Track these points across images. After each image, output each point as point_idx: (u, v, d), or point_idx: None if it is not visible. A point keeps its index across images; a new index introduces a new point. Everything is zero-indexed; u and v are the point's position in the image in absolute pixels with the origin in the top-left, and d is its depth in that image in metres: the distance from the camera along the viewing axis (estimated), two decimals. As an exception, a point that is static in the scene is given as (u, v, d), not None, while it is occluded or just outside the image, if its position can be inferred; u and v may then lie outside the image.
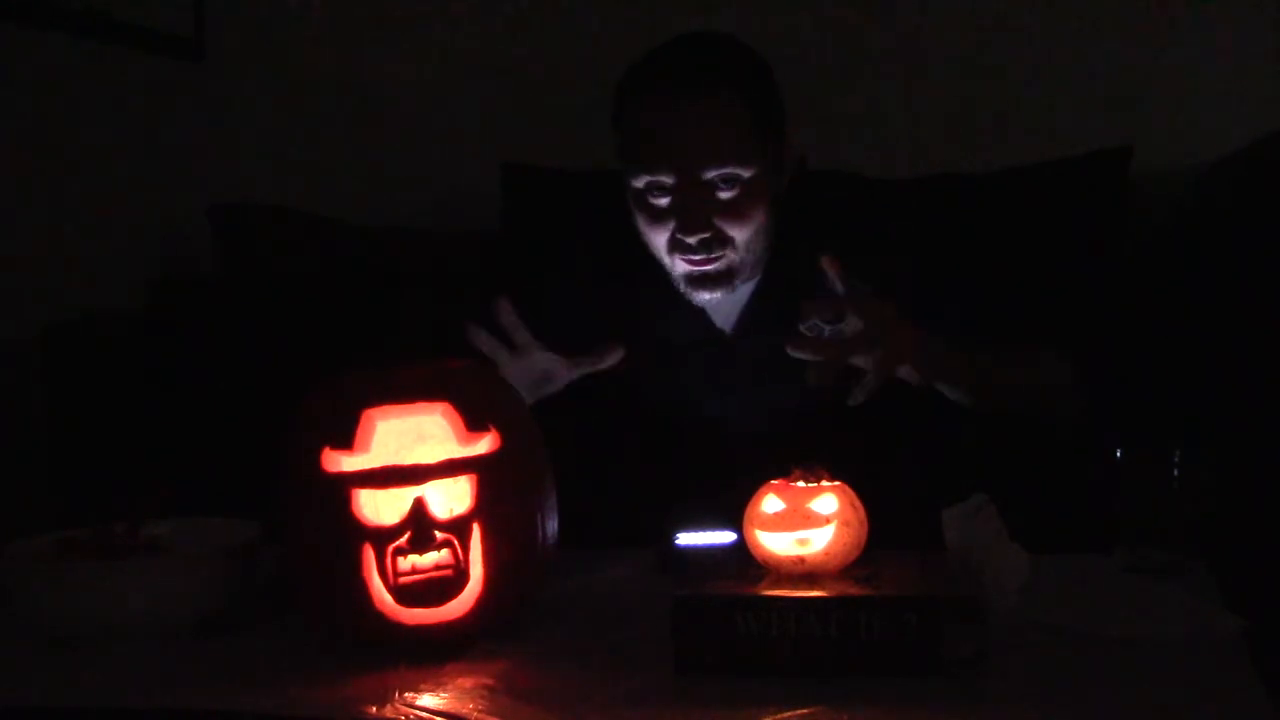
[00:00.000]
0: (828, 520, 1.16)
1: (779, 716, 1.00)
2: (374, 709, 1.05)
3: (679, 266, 1.54)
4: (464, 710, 1.04)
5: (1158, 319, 1.86)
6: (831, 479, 1.19)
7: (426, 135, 2.45)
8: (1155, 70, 2.20)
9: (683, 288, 1.57)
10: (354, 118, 2.48)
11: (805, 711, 1.00)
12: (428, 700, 1.06)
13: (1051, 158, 2.09)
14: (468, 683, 1.10)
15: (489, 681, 1.10)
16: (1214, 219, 1.97)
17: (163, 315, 2.18)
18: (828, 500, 1.17)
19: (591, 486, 1.48)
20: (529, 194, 2.24)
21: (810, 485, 1.18)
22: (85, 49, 2.30)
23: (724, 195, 1.50)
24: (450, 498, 1.18)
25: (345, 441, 1.18)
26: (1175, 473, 1.31)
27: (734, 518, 1.21)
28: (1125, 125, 2.15)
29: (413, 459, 1.18)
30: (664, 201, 1.51)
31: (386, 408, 1.19)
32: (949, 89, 2.28)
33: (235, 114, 2.50)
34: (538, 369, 1.49)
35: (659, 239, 1.53)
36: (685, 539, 1.35)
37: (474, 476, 1.19)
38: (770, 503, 1.18)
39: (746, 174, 1.50)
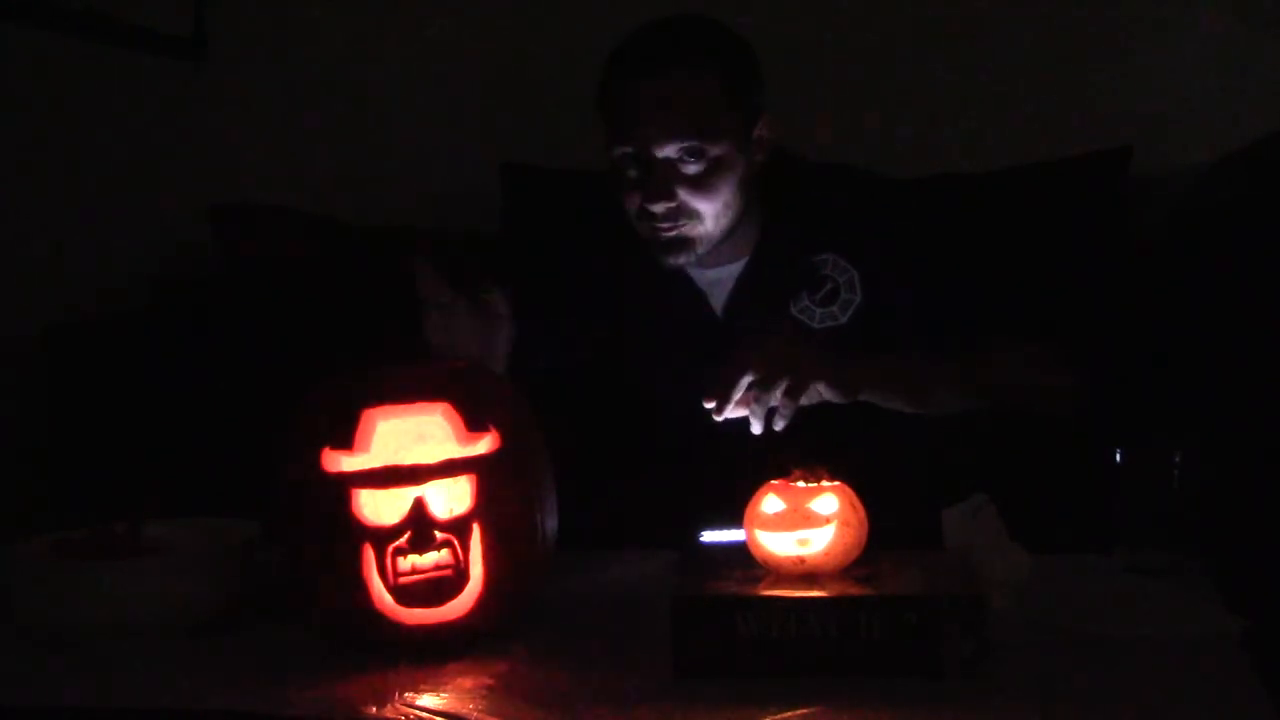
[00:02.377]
0: (828, 520, 1.16)
1: (779, 716, 1.00)
2: (374, 709, 1.05)
3: (645, 231, 1.58)
4: (464, 710, 1.04)
5: (1158, 319, 1.86)
6: (831, 479, 1.19)
7: (426, 135, 2.45)
8: (1155, 70, 2.20)
9: (652, 255, 1.60)
10: (354, 118, 2.48)
11: (805, 711, 1.00)
12: (428, 700, 1.06)
13: (1051, 158, 2.09)
14: (468, 683, 1.10)
15: (489, 681, 1.11)
16: (1214, 219, 1.97)
17: (163, 315, 2.18)
18: (828, 500, 1.17)
19: (592, 484, 1.48)
20: (529, 194, 2.24)
21: (810, 485, 1.18)
22: (85, 49, 2.30)
23: (689, 169, 1.53)
24: (450, 498, 1.18)
25: (345, 441, 1.18)
26: (1175, 473, 1.31)
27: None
28: (1125, 125, 2.15)
29: (413, 459, 1.18)
30: (634, 172, 1.55)
31: (386, 408, 1.19)
32: (949, 88, 2.27)
33: (235, 114, 2.49)
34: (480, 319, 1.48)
35: (630, 206, 1.58)
36: (709, 537, 1.34)
37: (474, 476, 1.19)
38: (770, 503, 1.18)
39: (712, 149, 1.53)
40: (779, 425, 1.41)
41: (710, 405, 1.42)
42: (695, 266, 1.63)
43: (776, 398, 1.41)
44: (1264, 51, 2.16)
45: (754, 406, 1.42)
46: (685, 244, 1.57)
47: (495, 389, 1.27)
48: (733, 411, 1.43)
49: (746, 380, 1.41)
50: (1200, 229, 1.97)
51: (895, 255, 1.60)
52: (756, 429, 1.42)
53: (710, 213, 1.55)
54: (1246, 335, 1.76)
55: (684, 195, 1.53)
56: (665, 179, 1.53)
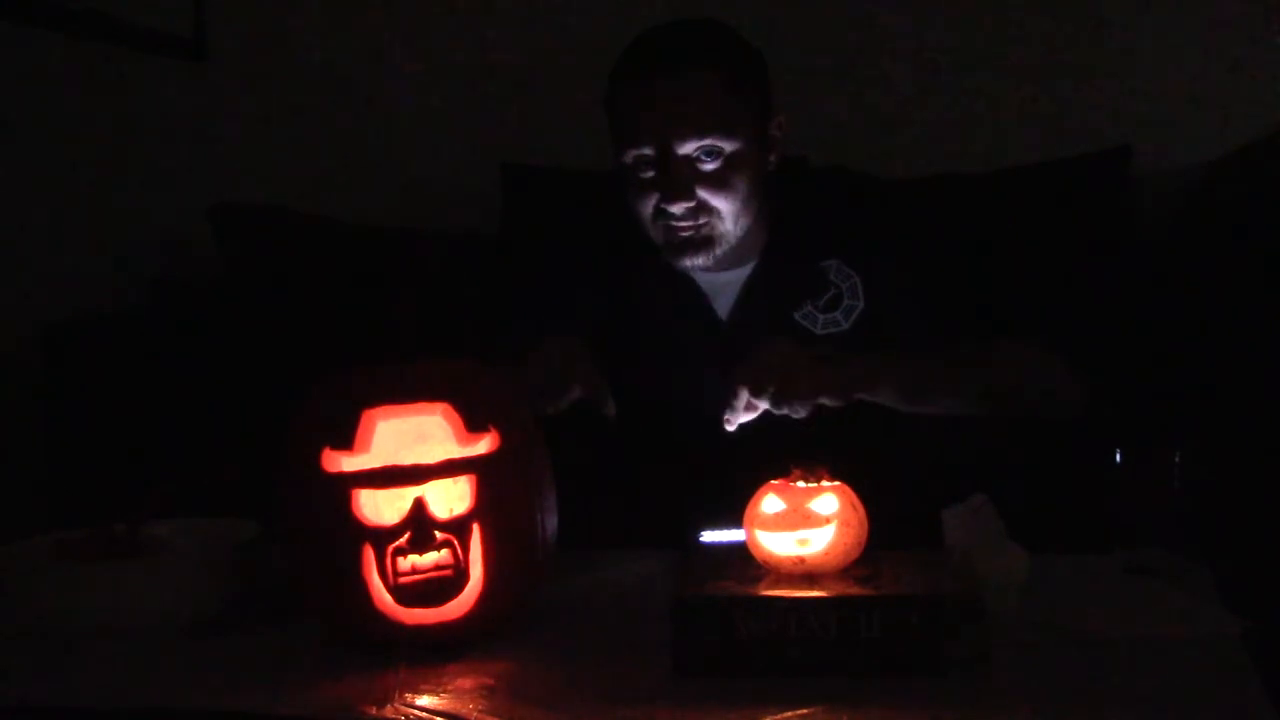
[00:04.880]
0: (828, 520, 1.16)
1: (779, 716, 1.00)
2: (374, 709, 1.05)
3: (661, 234, 1.57)
4: (464, 710, 1.04)
5: (1158, 319, 1.86)
6: (831, 479, 1.19)
7: (426, 135, 2.45)
8: (1155, 70, 2.20)
9: (667, 256, 1.60)
10: (354, 118, 2.48)
11: (805, 711, 1.00)
12: (428, 700, 1.06)
13: (1051, 158, 2.09)
14: (468, 683, 1.10)
15: (489, 681, 1.11)
16: (1214, 219, 1.97)
17: (163, 315, 2.18)
18: (828, 500, 1.17)
19: (593, 484, 1.48)
20: (529, 194, 2.24)
21: (810, 485, 1.18)
22: (85, 49, 2.30)
23: (706, 167, 1.53)
24: (450, 498, 1.18)
25: (345, 441, 1.18)
26: (1175, 473, 1.31)
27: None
28: (1125, 125, 2.15)
29: (413, 459, 1.18)
30: (650, 174, 1.54)
31: (387, 408, 1.19)
32: (949, 89, 2.27)
33: (235, 114, 2.50)
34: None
35: (645, 210, 1.56)
36: (709, 537, 1.35)
37: (474, 476, 1.19)
38: (770, 503, 1.18)
39: (729, 146, 1.52)
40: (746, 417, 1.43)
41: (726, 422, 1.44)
42: (702, 271, 1.63)
43: (764, 404, 1.42)
44: (1264, 51, 2.16)
45: (732, 403, 1.42)
46: (705, 244, 1.56)
47: (495, 389, 1.27)
48: (741, 418, 1.44)
49: (744, 393, 1.42)
50: (1200, 229, 1.97)
51: (898, 262, 1.60)
52: (729, 426, 1.43)
53: (729, 211, 1.55)
54: (1246, 335, 1.76)
55: (703, 194, 1.53)
56: (684, 177, 1.52)
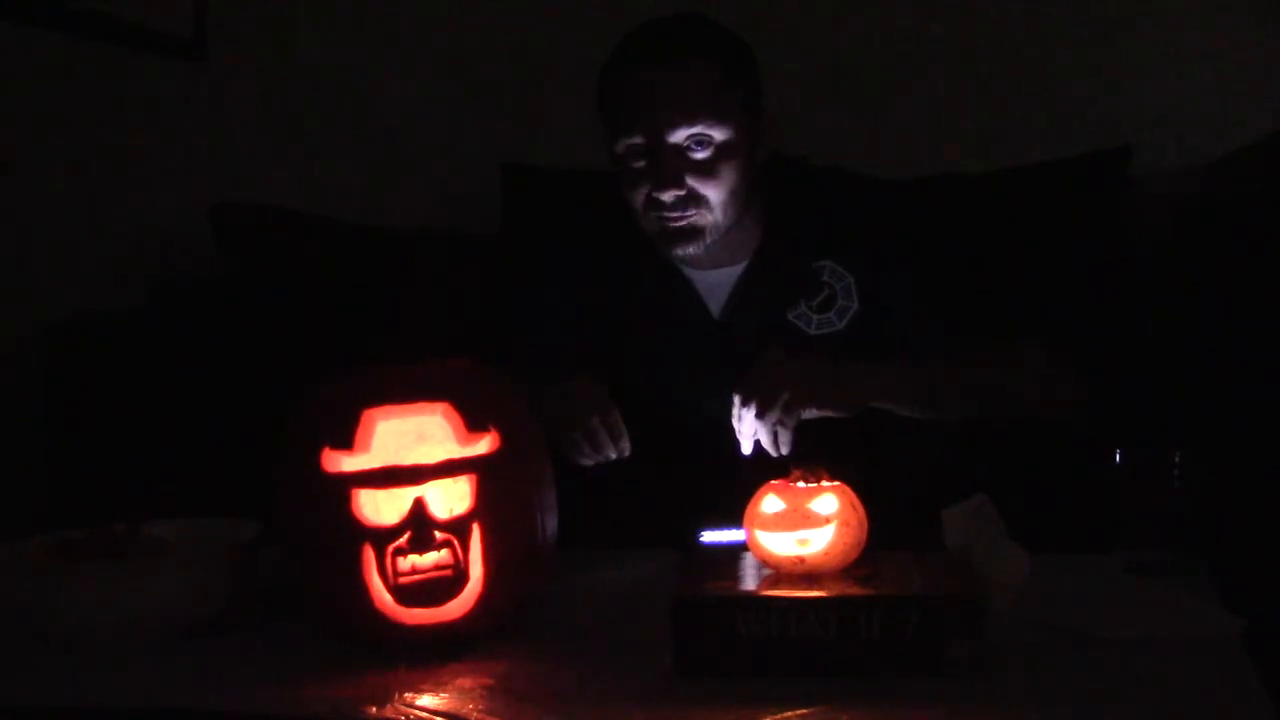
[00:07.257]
0: (828, 520, 1.16)
1: (779, 716, 1.00)
2: (374, 709, 1.05)
3: (653, 223, 1.58)
4: (464, 710, 1.04)
5: (1158, 319, 1.86)
6: (831, 479, 1.19)
7: (426, 135, 2.45)
8: (1155, 70, 2.20)
9: (659, 246, 1.61)
10: (355, 118, 2.48)
11: (805, 711, 1.00)
12: (428, 700, 1.06)
13: (1051, 158, 2.09)
14: (468, 683, 1.10)
15: (489, 681, 1.11)
16: (1214, 219, 1.97)
17: (163, 315, 2.18)
18: (828, 500, 1.17)
19: (592, 484, 1.49)
20: (529, 194, 2.24)
21: (810, 485, 1.18)
22: (85, 49, 2.30)
23: (697, 156, 1.54)
24: (450, 498, 1.18)
25: (345, 441, 1.18)
26: (1175, 473, 1.31)
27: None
28: (1125, 125, 2.15)
29: (413, 459, 1.18)
30: (641, 163, 1.55)
31: (386, 408, 1.19)
32: (949, 89, 2.27)
33: (235, 114, 2.50)
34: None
35: (637, 199, 1.58)
36: (709, 537, 1.35)
37: (474, 476, 1.19)
38: (770, 503, 1.18)
39: (718, 135, 1.54)
40: (784, 449, 1.45)
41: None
42: (695, 268, 1.63)
43: (772, 420, 1.44)
44: (1264, 51, 2.16)
45: (741, 427, 1.46)
46: (694, 233, 1.57)
47: (495, 389, 1.27)
48: (750, 441, 1.47)
49: (750, 415, 1.44)
50: (1200, 229, 1.97)
51: (894, 263, 1.60)
52: (745, 449, 1.47)
53: (718, 200, 1.55)
54: (1246, 336, 1.76)
55: (692, 182, 1.54)
56: (675, 166, 1.53)
